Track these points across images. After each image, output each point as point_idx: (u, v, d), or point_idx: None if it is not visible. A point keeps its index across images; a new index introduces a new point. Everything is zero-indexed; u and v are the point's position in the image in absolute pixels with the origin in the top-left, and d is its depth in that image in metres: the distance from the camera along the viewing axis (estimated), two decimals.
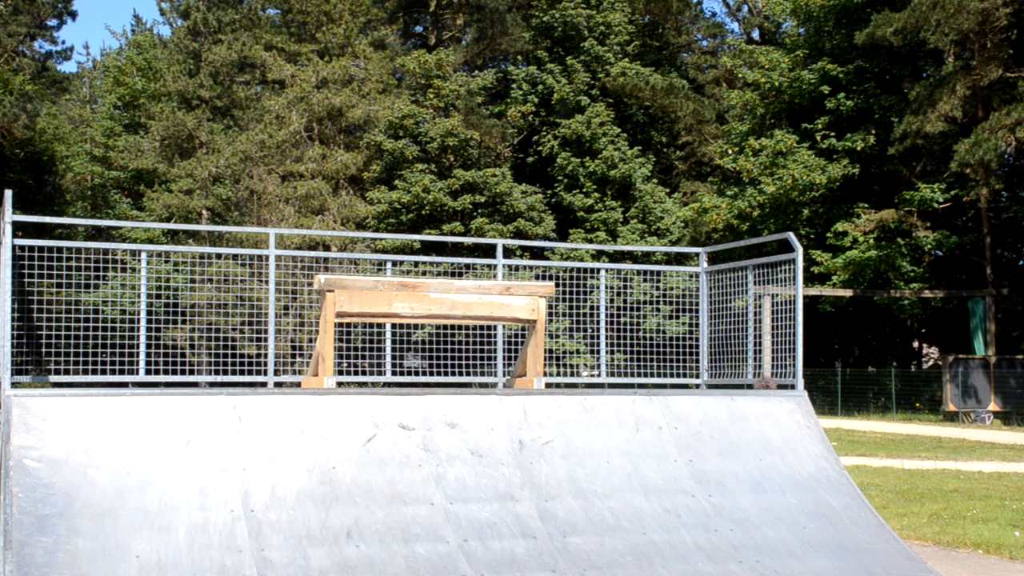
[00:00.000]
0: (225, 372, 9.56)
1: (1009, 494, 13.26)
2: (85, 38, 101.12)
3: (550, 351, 13.39)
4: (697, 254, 11.17)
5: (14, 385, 7.62)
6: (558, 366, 14.82)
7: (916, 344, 45.44)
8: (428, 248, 26.85)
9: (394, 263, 11.65)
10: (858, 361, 42.48)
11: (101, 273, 9.76)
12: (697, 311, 10.95)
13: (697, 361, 10.93)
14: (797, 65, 34.44)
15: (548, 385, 8.99)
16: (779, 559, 7.56)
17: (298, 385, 9.31)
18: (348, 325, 10.31)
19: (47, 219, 9.14)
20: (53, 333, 9.12)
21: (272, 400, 7.41)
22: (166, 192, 38.77)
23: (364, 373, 10.34)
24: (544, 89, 39.44)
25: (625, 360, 11.49)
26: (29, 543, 6.07)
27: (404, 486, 7.17)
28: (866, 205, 33.46)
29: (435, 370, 11.41)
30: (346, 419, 7.42)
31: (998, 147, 27.66)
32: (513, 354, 10.42)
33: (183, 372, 10.55)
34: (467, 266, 13.23)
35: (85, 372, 8.87)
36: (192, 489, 6.66)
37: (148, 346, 9.20)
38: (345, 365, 10.70)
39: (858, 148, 32.36)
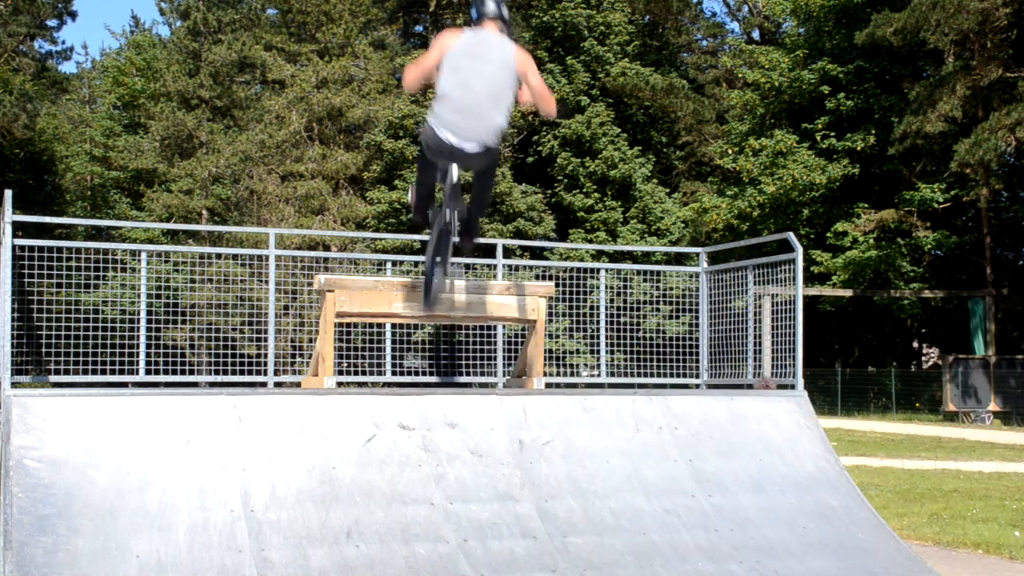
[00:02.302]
0: (225, 372, 9.55)
1: (1009, 494, 13.26)
2: (85, 38, 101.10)
3: (550, 351, 13.38)
4: (697, 254, 11.17)
5: (14, 385, 7.62)
6: (558, 366, 14.79)
7: (916, 344, 45.45)
8: None
9: (394, 263, 11.65)
10: (858, 361, 42.49)
11: (101, 273, 9.75)
12: (697, 311, 10.95)
13: (697, 361, 10.92)
14: (797, 65, 34.43)
15: (548, 385, 8.98)
16: (779, 559, 7.55)
17: (298, 385, 9.30)
18: (348, 325, 10.30)
19: (47, 219, 9.14)
20: (53, 333, 9.11)
21: (272, 400, 7.40)
22: (166, 192, 38.78)
23: (364, 373, 10.33)
24: None
25: (625, 360, 11.48)
26: (29, 543, 6.07)
27: (404, 486, 7.16)
28: (866, 205, 33.45)
29: (435, 370, 11.40)
30: (346, 419, 7.41)
31: (998, 147, 27.66)
32: (513, 354, 10.41)
33: (183, 372, 10.54)
34: (467, 266, 13.21)
35: (85, 372, 8.87)
36: (192, 489, 6.66)
37: (148, 346, 9.20)
38: (345, 365, 10.68)
39: (858, 148, 32.35)
